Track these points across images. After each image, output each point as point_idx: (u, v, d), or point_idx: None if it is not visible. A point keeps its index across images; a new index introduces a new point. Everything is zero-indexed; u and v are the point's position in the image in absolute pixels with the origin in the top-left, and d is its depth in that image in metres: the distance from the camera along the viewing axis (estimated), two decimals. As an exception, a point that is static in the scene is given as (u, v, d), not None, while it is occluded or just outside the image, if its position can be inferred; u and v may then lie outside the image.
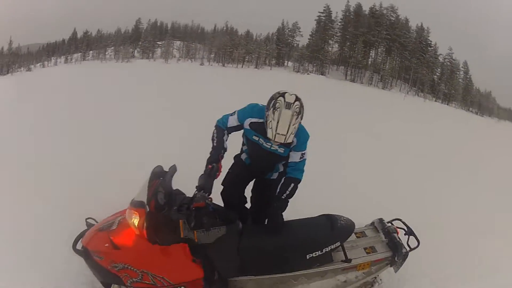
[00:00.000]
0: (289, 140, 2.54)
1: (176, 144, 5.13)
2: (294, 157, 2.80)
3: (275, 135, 2.47)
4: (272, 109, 2.47)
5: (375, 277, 3.19)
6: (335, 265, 2.85)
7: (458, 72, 25.05)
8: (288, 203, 2.86)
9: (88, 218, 3.07)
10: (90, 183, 4.29)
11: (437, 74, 25.54)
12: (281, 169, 3.06)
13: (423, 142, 7.72)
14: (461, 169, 7.05)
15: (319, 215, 2.98)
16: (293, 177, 2.84)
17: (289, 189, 2.81)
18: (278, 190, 2.85)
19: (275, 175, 3.11)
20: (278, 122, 2.44)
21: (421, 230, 3.21)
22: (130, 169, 4.09)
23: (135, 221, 2.38)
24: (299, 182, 2.85)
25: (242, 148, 3.14)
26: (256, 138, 2.79)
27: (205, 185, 2.48)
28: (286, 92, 2.49)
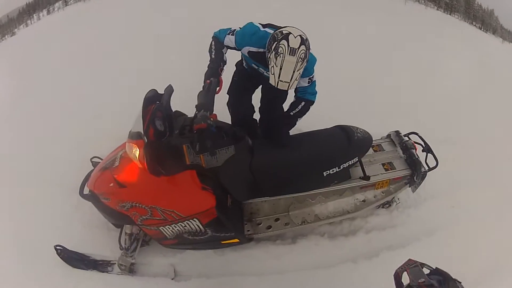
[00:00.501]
0: (293, 87, 2.30)
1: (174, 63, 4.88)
2: (302, 82, 2.56)
3: (277, 82, 2.23)
4: (274, 52, 2.18)
5: (393, 197, 3.11)
6: (353, 182, 2.74)
7: None
8: (297, 122, 2.67)
9: (93, 157, 2.97)
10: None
11: None
12: None
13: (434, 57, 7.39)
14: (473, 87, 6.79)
15: (334, 126, 2.78)
16: (303, 97, 2.61)
17: (299, 107, 2.59)
18: (288, 108, 2.64)
19: None
20: (281, 69, 2.18)
21: (437, 147, 3.08)
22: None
23: (136, 154, 2.17)
24: (311, 104, 2.63)
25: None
26: (256, 67, 2.58)
27: (204, 103, 2.19)
28: (290, 33, 2.18)
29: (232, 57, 2.68)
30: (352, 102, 4.65)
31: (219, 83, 2.42)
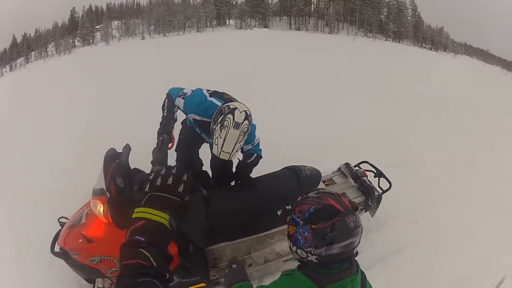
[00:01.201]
0: (234, 157, 2.47)
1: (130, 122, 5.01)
2: (245, 147, 2.76)
3: (220, 152, 2.40)
4: (219, 125, 2.36)
5: None
6: None
7: (406, 10, 25.00)
8: (252, 168, 2.85)
9: (60, 217, 2.99)
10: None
11: (384, 13, 25.46)
12: None
13: (384, 82, 7.68)
14: (423, 106, 7.10)
15: (282, 169, 2.94)
16: (254, 155, 2.80)
17: (253, 158, 2.79)
18: (242, 158, 2.82)
19: None
20: (224, 141, 2.36)
21: (390, 171, 3.25)
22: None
23: (100, 210, 2.32)
24: (260, 158, 2.83)
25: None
26: (199, 132, 2.78)
27: (159, 159, 2.38)
28: (236, 108, 2.37)
29: (180, 115, 2.85)
30: (303, 141, 4.85)
31: (171, 139, 2.61)
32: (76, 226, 2.53)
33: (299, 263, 1.53)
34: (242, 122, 2.35)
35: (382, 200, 3.12)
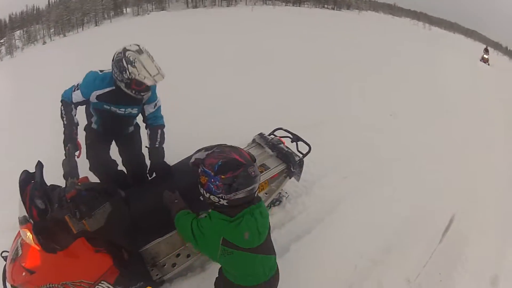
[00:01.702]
0: (164, 75, 2.56)
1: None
2: (149, 109, 2.86)
3: (153, 79, 2.51)
4: (130, 65, 2.47)
5: (279, 193, 3.31)
6: None
7: None
8: (164, 150, 2.91)
9: (3, 252, 2.87)
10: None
11: None
12: (134, 122, 3.11)
13: (292, 48, 7.84)
14: (328, 69, 7.32)
15: (197, 151, 2.94)
16: (156, 124, 2.90)
17: (158, 136, 2.88)
18: (149, 142, 2.89)
19: (131, 129, 3.13)
20: (146, 68, 2.47)
21: (306, 132, 3.28)
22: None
23: (30, 238, 2.25)
24: (164, 127, 2.92)
25: (89, 119, 2.99)
26: (108, 107, 2.76)
27: (69, 170, 2.33)
28: (124, 47, 2.52)
29: (81, 121, 2.82)
30: (212, 119, 4.90)
31: (77, 147, 2.57)
32: (15, 259, 2.47)
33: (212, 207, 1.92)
34: (139, 47, 2.53)
35: (304, 163, 3.13)
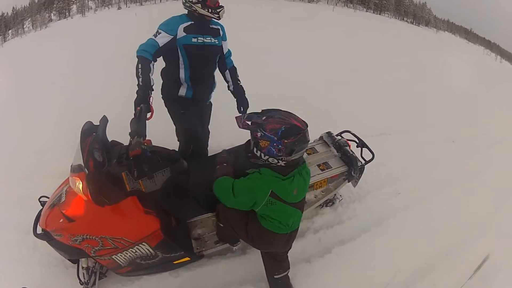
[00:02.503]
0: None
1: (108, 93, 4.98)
2: (225, 46, 3.02)
3: (220, 14, 2.72)
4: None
5: (335, 194, 3.24)
6: None
7: None
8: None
9: (41, 197, 2.90)
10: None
11: None
12: (214, 90, 3.16)
13: (367, 53, 7.69)
14: (403, 79, 7.13)
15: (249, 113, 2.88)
16: (233, 65, 3.11)
17: (238, 75, 3.10)
18: (231, 81, 3.09)
19: (211, 98, 3.21)
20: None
21: (372, 141, 3.23)
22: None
23: (80, 186, 2.19)
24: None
25: (176, 87, 2.96)
26: (195, 40, 2.76)
27: (137, 130, 2.24)
28: None
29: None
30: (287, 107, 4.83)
31: (149, 108, 2.47)
32: (56, 205, 2.43)
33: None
34: None
35: (365, 170, 3.13)
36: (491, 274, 3.32)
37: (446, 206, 3.78)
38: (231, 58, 3.10)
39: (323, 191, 3.05)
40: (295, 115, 2.14)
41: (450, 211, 3.73)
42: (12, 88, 5.35)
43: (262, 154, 2.05)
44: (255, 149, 2.09)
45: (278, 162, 2.04)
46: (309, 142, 3.08)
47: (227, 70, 3.09)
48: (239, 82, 3.10)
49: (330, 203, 3.40)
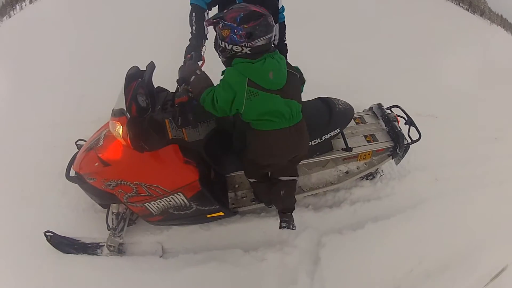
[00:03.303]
0: None
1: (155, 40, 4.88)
2: (280, 1, 2.82)
3: None
4: None
5: (377, 169, 3.16)
6: (335, 154, 2.77)
7: None
8: None
9: (78, 140, 2.93)
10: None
11: None
12: None
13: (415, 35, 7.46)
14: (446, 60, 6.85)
15: (315, 99, 2.82)
16: (283, 22, 2.91)
17: (285, 34, 2.94)
18: (277, 35, 2.87)
19: None
20: None
21: (421, 121, 3.12)
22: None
23: (119, 131, 2.12)
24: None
25: None
26: None
27: (186, 77, 2.17)
28: None
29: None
30: (341, 74, 4.74)
31: (201, 57, 2.41)
32: (93, 149, 2.41)
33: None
34: None
35: (409, 149, 3.01)
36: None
37: (480, 203, 3.64)
38: (284, 14, 2.89)
39: (366, 163, 2.98)
40: (258, 6, 2.07)
41: (483, 209, 3.59)
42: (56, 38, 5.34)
43: (226, 44, 2.04)
44: (219, 41, 2.08)
45: (243, 49, 2.02)
46: (359, 112, 3.06)
47: (277, 24, 2.85)
48: (284, 40, 2.94)
49: (371, 177, 3.32)
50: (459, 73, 5.81)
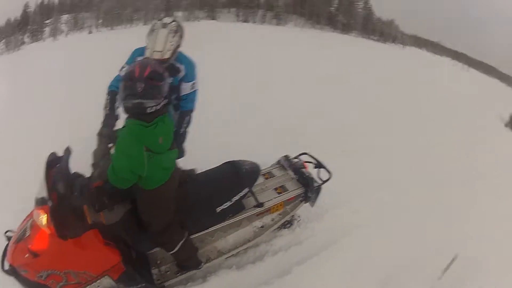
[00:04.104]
0: (166, 56, 2.61)
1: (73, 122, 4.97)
2: (186, 88, 2.91)
3: (152, 53, 2.56)
4: (149, 32, 2.58)
5: (292, 216, 3.30)
6: (248, 212, 2.86)
7: (357, 2, 25.68)
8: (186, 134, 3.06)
9: (7, 231, 2.81)
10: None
11: (335, 5, 25.42)
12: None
13: (322, 69, 7.91)
14: (359, 95, 7.34)
15: (222, 164, 2.93)
16: (185, 110, 2.99)
17: (185, 122, 2.99)
18: (175, 126, 2.89)
19: None
20: (155, 41, 2.54)
21: (331, 161, 3.34)
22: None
23: (43, 220, 2.20)
24: (192, 112, 3.01)
25: None
26: None
27: (98, 161, 2.32)
28: (163, 18, 2.62)
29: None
30: (243, 135, 4.94)
31: (114, 138, 2.53)
32: (21, 240, 2.40)
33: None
34: (170, 23, 2.58)
35: (322, 189, 3.20)
36: (462, 273, 3.48)
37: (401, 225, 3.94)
38: (189, 103, 3.02)
39: (280, 213, 3.12)
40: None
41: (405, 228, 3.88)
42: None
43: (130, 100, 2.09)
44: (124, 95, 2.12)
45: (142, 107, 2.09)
46: (266, 167, 3.24)
47: (178, 112, 3.04)
48: (183, 128, 3.03)
49: (288, 225, 3.45)
50: (374, 105, 6.34)
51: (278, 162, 3.37)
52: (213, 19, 22.04)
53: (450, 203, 4.54)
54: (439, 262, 3.57)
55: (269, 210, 3.02)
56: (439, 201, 4.49)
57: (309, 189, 3.10)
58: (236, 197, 2.74)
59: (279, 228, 3.34)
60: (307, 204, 3.25)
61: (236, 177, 2.79)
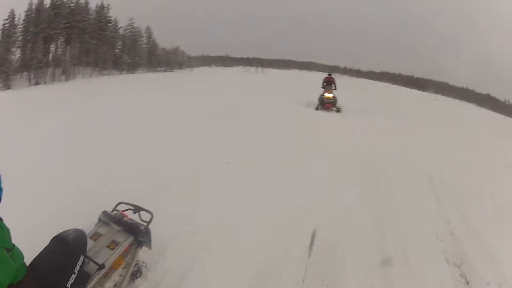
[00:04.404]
0: None
1: None
2: None
3: None
4: None
5: (136, 264, 3.31)
6: (95, 277, 2.75)
7: (141, 39, 27.08)
8: None
9: None
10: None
11: (119, 47, 26.12)
12: None
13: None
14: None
15: (50, 241, 2.71)
16: None
17: None
18: None
19: None
20: None
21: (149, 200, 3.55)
22: None
23: None
24: None
25: None
26: None
27: None
28: None
29: None
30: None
31: None
32: None
33: None
34: None
35: (151, 229, 3.28)
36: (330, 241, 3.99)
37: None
38: None
39: (124, 267, 3.10)
40: None
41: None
42: None
43: None
44: None
45: None
46: (91, 230, 3.14)
47: None
48: None
49: (139, 274, 3.41)
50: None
51: (99, 220, 3.29)
52: (8, 88, 20.33)
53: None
54: (303, 242, 4.09)
55: (112, 268, 2.96)
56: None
57: (138, 235, 3.14)
58: (77, 267, 2.61)
59: (131, 280, 3.30)
60: (146, 248, 3.30)
61: (67, 248, 2.64)
